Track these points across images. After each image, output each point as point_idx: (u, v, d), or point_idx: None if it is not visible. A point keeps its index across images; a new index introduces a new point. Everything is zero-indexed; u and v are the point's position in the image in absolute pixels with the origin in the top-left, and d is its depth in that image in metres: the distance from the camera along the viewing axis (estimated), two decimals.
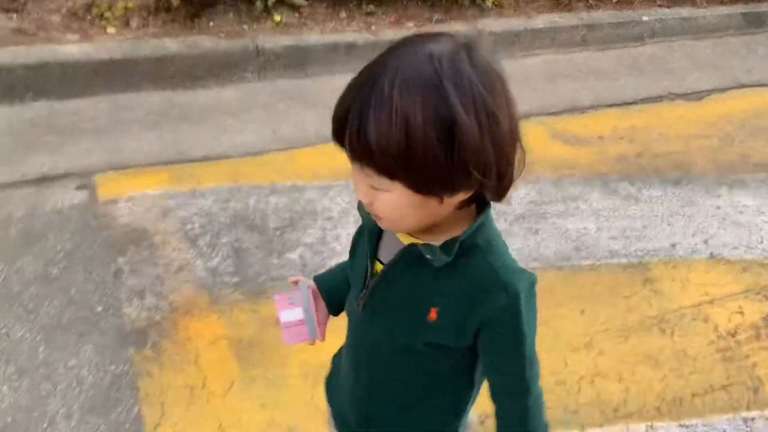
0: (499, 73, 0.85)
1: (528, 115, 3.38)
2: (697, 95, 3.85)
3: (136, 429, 1.75)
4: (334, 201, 2.61)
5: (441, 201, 0.87)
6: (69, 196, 2.54)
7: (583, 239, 2.54)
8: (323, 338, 1.12)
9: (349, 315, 1.10)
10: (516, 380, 0.99)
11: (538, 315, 0.97)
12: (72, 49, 3.19)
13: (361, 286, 1.02)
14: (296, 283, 1.13)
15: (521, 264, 0.96)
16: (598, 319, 2.18)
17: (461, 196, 0.87)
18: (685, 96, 3.84)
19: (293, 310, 1.10)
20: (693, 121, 3.54)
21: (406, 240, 0.96)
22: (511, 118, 0.86)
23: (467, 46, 0.84)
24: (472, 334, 0.96)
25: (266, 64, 3.46)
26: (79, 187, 2.59)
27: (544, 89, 3.73)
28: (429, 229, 0.93)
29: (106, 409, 1.79)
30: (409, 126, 0.80)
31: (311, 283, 1.14)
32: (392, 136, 0.80)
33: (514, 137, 0.87)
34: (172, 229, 2.42)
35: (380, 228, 0.99)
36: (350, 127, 0.82)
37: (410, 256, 0.95)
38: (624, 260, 2.45)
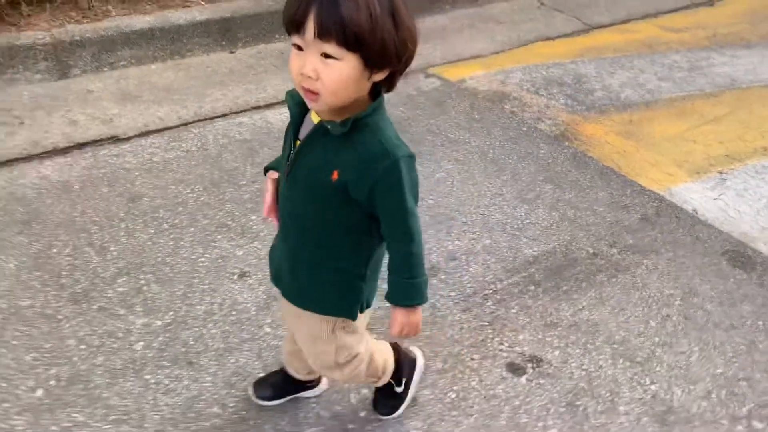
0: None
1: (630, 19, 4.92)
2: (709, 2, 5.56)
3: (605, 176, 3.06)
4: (585, 66, 4.00)
5: (370, 77, 1.12)
6: (428, 81, 3.70)
7: (749, 71, 4.09)
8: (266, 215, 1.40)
9: (279, 184, 1.33)
10: (400, 229, 1.24)
11: None
12: None
13: (287, 159, 1.27)
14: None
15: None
16: None
17: (383, 75, 1.13)
18: (702, 4, 5.54)
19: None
20: (722, 16, 5.23)
21: (317, 120, 1.20)
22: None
23: None
24: (366, 191, 1.18)
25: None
26: (426, 77, 3.76)
27: (621, 4, 5.24)
28: (339, 111, 1.15)
29: (582, 166, 3.09)
30: (371, 9, 1.04)
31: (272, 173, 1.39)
32: (362, 16, 1.03)
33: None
34: (516, 90, 3.68)
35: (301, 117, 1.25)
36: (321, 11, 1.03)
37: (318, 132, 1.19)
38: None
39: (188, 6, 3.71)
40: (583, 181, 2.97)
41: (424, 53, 3.98)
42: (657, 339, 2.18)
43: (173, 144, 2.91)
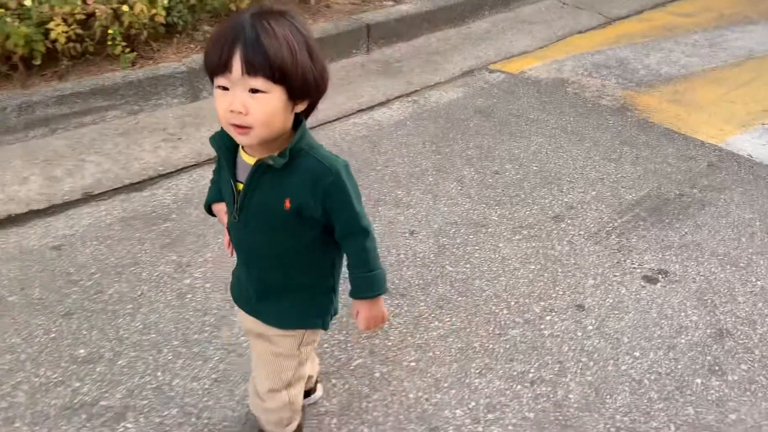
0: None
1: (643, 10, 5.53)
2: None
3: (669, 136, 3.61)
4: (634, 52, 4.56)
5: (293, 108, 1.20)
6: (493, 76, 4.24)
7: (761, 43, 4.69)
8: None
9: (230, 227, 1.38)
10: (355, 229, 1.32)
11: None
12: (403, 8, 4.81)
13: (233, 202, 1.31)
14: None
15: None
16: None
17: (303, 105, 1.22)
18: None
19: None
20: (727, 2, 5.86)
21: (253, 161, 1.25)
22: None
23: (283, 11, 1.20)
24: (320, 208, 1.27)
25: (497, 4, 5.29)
26: (490, 72, 4.30)
27: None
28: (267, 146, 1.22)
29: (648, 130, 3.63)
30: (291, 45, 1.13)
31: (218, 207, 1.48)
32: (284, 52, 1.12)
33: None
34: (573, 75, 4.23)
35: (234, 157, 1.30)
36: (246, 51, 1.11)
37: (260, 169, 1.25)
38: None
39: None
40: (651, 141, 3.52)
41: (479, 54, 4.54)
42: (750, 250, 2.71)
43: None
